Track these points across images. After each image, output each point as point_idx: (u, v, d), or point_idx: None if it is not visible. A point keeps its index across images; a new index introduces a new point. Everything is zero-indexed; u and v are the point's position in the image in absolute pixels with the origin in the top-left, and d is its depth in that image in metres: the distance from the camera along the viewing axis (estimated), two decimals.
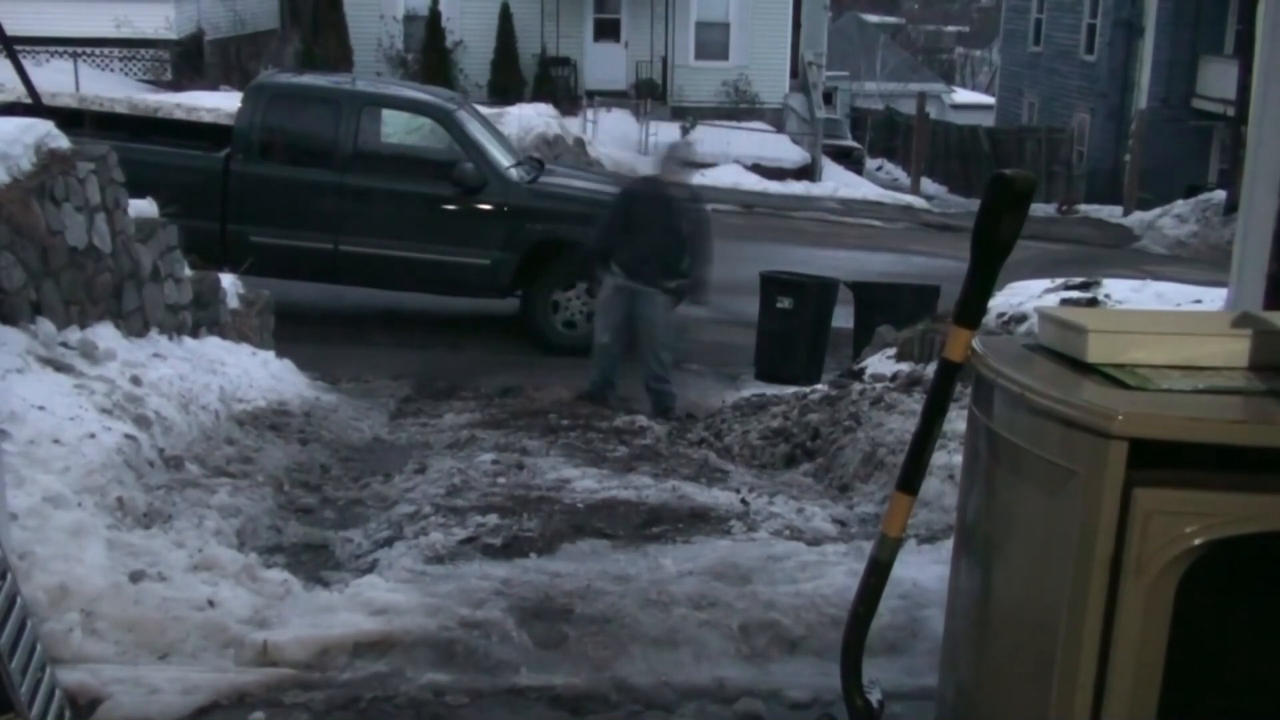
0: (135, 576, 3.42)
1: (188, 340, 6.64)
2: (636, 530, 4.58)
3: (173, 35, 23.45)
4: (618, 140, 23.61)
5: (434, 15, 26.17)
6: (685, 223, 7.98)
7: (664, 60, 27.29)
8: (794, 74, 28.46)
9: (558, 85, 26.25)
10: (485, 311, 11.27)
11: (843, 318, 10.60)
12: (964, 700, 2.43)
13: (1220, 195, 22.76)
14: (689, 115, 25.79)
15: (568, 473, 5.54)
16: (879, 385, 6.82)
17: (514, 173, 10.85)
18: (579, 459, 5.95)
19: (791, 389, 8.26)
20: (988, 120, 37.07)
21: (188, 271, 7.04)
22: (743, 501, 5.13)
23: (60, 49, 21.59)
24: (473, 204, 10.55)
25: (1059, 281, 7.03)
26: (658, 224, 7.86)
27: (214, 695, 3.02)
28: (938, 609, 3.25)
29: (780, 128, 27.07)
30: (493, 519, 4.59)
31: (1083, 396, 2.09)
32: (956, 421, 5.35)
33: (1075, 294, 6.55)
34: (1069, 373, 2.24)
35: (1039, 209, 26.84)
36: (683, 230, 7.95)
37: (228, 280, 7.80)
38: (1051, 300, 6.48)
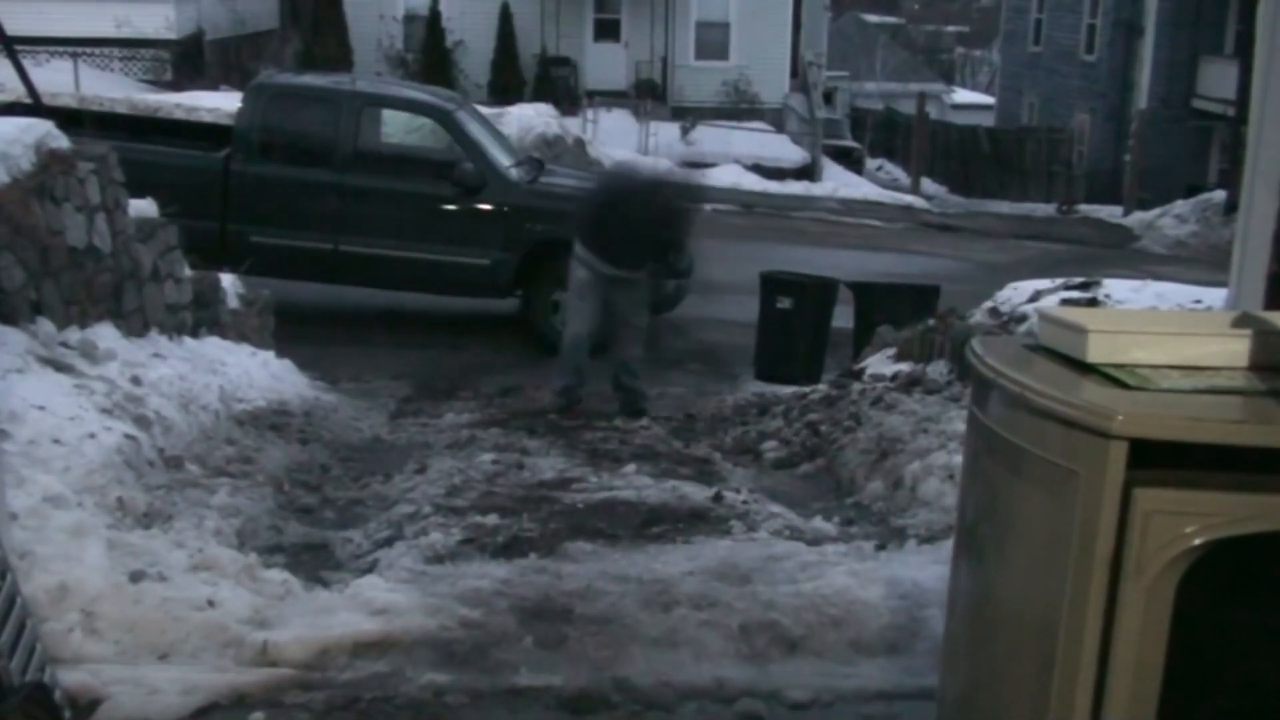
0: (135, 576, 3.42)
1: (188, 340, 6.64)
2: (636, 530, 4.58)
3: (173, 35, 23.42)
4: (618, 140, 23.57)
5: (434, 15, 26.15)
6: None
7: (664, 60, 27.27)
8: (794, 74, 28.42)
9: (558, 85, 26.19)
10: (485, 311, 11.26)
11: (843, 318, 10.59)
12: (964, 700, 2.43)
13: (1220, 195, 22.72)
14: (689, 115, 25.75)
15: (568, 473, 5.55)
16: (879, 385, 6.82)
17: (514, 173, 10.84)
18: (579, 459, 5.96)
19: (791, 389, 8.26)
20: (988, 120, 37.04)
21: (188, 271, 7.04)
22: (743, 502, 5.13)
23: (60, 49, 21.55)
24: (473, 204, 10.54)
25: (1059, 281, 7.05)
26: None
27: (214, 695, 3.02)
28: (938, 609, 3.25)
29: (780, 128, 27.03)
30: (493, 519, 4.59)
31: (1083, 396, 2.08)
32: (956, 421, 5.36)
33: (1075, 294, 6.56)
34: (1069, 373, 2.23)
35: (1039, 209, 26.82)
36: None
37: (228, 280, 7.80)
38: (1051, 300, 6.49)
